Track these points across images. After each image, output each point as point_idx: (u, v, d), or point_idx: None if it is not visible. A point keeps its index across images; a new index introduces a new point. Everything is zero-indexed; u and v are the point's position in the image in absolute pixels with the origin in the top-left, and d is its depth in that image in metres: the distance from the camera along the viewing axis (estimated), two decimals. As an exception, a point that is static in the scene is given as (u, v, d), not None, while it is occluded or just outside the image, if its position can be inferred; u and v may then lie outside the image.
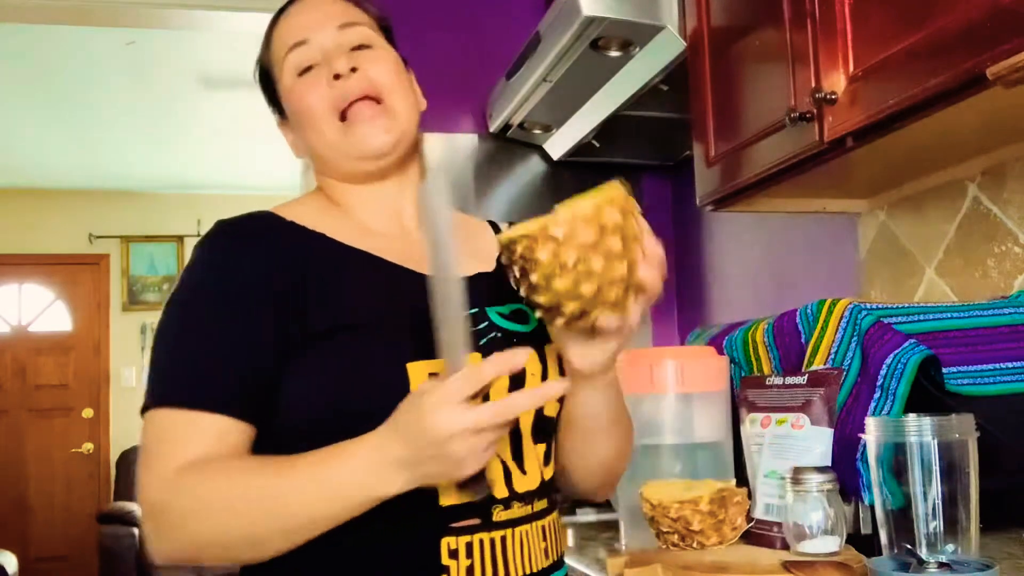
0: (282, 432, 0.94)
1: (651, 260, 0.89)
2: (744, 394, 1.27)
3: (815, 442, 1.15)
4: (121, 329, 6.40)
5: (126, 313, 6.42)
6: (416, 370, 0.93)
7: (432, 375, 0.91)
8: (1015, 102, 1.18)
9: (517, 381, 0.97)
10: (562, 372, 1.02)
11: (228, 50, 4.17)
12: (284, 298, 0.95)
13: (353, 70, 1.03)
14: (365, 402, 0.92)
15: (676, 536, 1.14)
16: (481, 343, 0.99)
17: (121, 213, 6.43)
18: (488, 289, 1.05)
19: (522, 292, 0.87)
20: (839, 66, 1.32)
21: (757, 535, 1.16)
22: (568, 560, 1.46)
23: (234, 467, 0.89)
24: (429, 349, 0.87)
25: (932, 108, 1.18)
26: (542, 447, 1.02)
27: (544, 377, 1.02)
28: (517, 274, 0.87)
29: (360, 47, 1.06)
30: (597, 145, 2.55)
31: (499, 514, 0.95)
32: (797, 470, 1.09)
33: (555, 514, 1.04)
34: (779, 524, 1.13)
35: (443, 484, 0.90)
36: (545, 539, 1.00)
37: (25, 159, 5.72)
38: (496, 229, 1.23)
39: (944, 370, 1.15)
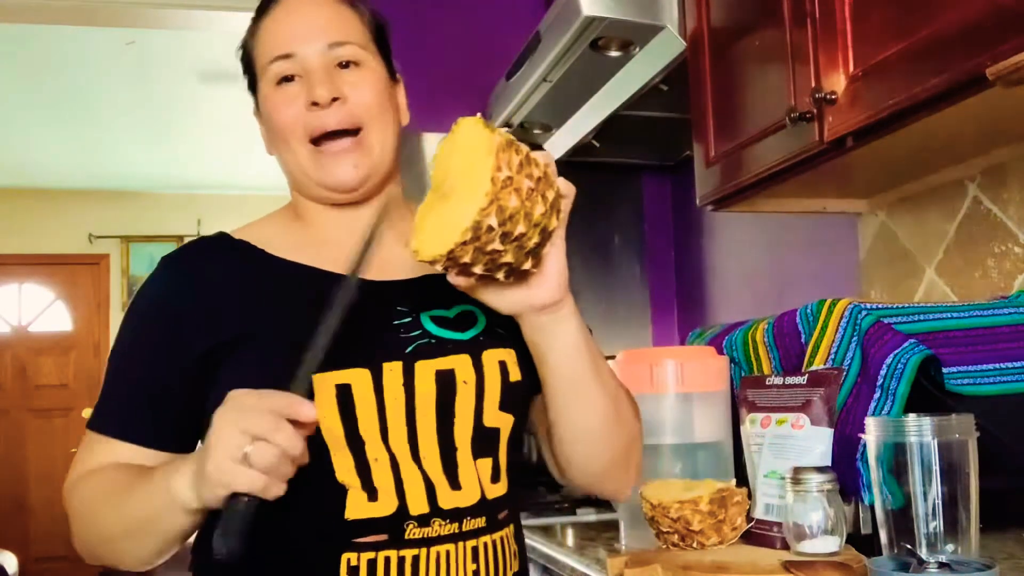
0: None
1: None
2: (744, 394, 1.27)
3: (815, 442, 1.15)
4: (121, 329, 6.40)
5: (126, 313, 6.42)
6: (322, 381, 0.90)
7: (339, 386, 0.91)
8: (1015, 102, 1.18)
9: (447, 391, 0.95)
10: (503, 380, 0.98)
11: (228, 50, 4.15)
12: (198, 320, 0.97)
13: (335, 99, 1.00)
14: None
15: (676, 536, 1.14)
16: (408, 350, 0.95)
17: (121, 213, 6.43)
18: (427, 293, 1.01)
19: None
20: (839, 66, 1.32)
21: (757, 535, 1.16)
22: (568, 560, 1.46)
23: (106, 476, 0.97)
24: (342, 358, 0.88)
25: (932, 108, 1.18)
26: (487, 461, 0.98)
27: (480, 386, 0.97)
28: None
29: (347, 63, 1.02)
30: (597, 145, 2.55)
31: (412, 531, 0.91)
32: (797, 470, 1.09)
33: (502, 532, 0.98)
34: (779, 524, 1.13)
35: (351, 498, 0.90)
36: (476, 561, 0.93)
37: (25, 159, 5.72)
38: None
39: (944, 370, 1.15)
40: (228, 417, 0.79)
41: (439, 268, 0.81)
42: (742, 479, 1.26)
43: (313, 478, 0.85)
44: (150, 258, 6.49)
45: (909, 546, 0.93)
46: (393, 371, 0.94)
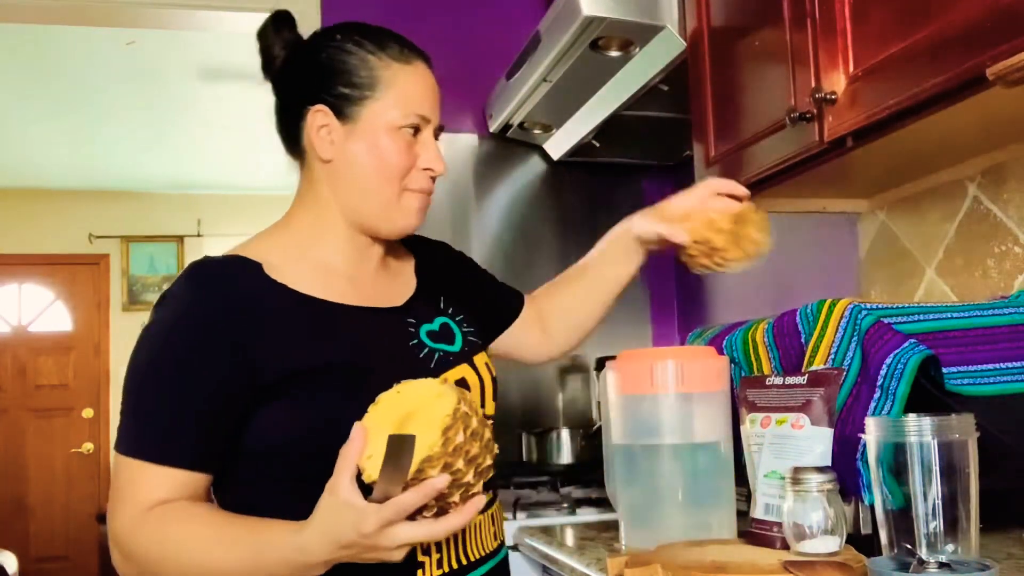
0: (249, 463, 1.07)
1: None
2: (744, 394, 1.27)
3: (815, 442, 1.15)
4: (121, 329, 6.40)
5: (126, 313, 6.42)
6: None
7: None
8: (1015, 102, 1.18)
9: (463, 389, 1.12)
10: (492, 378, 1.21)
11: (229, 50, 4.17)
12: (239, 349, 1.03)
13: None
14: (318, 447, 1.00)
15: (704, 258, 1.29)
16: (431, 366, 1.13)
17: (121, 213, 6.43)
18: (418, 313, 1.19)
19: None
20: (839, 66, 1.32)
21: (757, 535, 1.16)
22: (568, 560, 1.46)
23: (190, 529, 1.01)
24: (393, 380, 1.00)
25: (932, 108, 1.18)
26: None
27: (481, 386, 1.18)
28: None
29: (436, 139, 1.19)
30: (597, 145, 2.55)
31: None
32: (797, 470, 1.09)
33: (496, 505, 1.23)
34: (779, 524, 1.13)
35: None
36: (494, 524, 1.21)
37: (25, 159, 5.72)
38: (420, 245, 1.33)
39: (944, 370, 1.15)
40: (399, 535, 0.92)
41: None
42: (742, 479, 1.26)
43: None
44: (150, 258, 6.49)
45: (909, 546, 0.92)
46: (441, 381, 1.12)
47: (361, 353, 1.09)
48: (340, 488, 0.91)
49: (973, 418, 0.97)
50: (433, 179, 1.17)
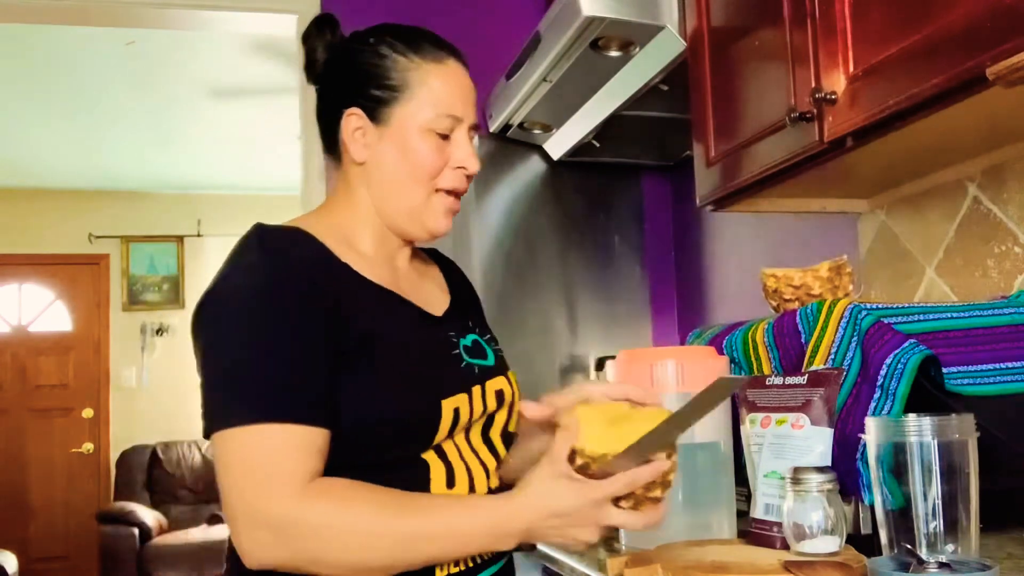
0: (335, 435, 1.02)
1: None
2: (744, 394, 1.27)
3: (815, 442, 1.15)
4: (121, 329, 6.40)
5: (126, 313, 6.42)
6: (448, 406, 1.07)
7: (455, 409, 1.07)
8: (1015, 102, 1.18)
9: (501, 399, 1.17)
10: (518, 394, 1.22)
11: (229, 50, 4.17)
12: (329, 314, 1.02)
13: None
14: (401, 425, 1.04)
15: (797, 303, 1.37)
16: (476, 372, 1.14)
17: (121, 213, 6.43)
18: (455, 323, 1.20)
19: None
20: (839, 66, 1.32)
21: (757, 535, 1.16)
22: (568, 560, 1.46)
23: (374, 500, 0.97)
24: (454, 385, 1.08)
25: (932, 108, 1.18)
26: (504, 456, 1.19)
27: (513, 399, 1.20)
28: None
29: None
30: (597, 145, 2.55)
31: None
32: (797, 470, 1.09)
33: None
34: (779, 524, 1.13)
35: (433, 483, 1.07)
36: None
37: (25, 159, 5.72)
38: (439, 258, 1.35)
39: (944, 370, 1.15)
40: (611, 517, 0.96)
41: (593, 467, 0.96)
42: (742, 479, 1.26)
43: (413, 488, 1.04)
44: (150, 258, 6.49)
45: (909, 546, 0.92)
46: (475, 393, 1.13)
47: (416, 347, 1.11)
48: (561, 461, 0.94)
49: (973, 418, 0.97)
50: (468, 178, 1.17)
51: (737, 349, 1.46)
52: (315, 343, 0.99)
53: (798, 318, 1.33)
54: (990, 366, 1.18)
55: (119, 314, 6.43)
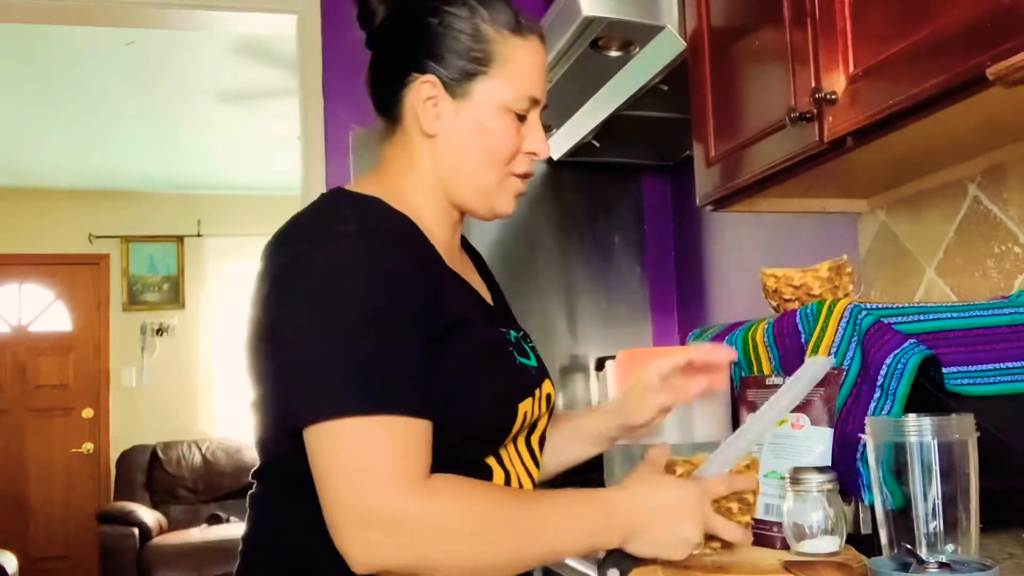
0: None
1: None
2: (744, 394, 1.27)
3: (815, 442, 1.15)
4: (121, 329, 6.40)
5: (126, 313, 6.41)
6: (521, 409, 1.05)
7: (525, 412, 1.06)
8: (1015, 102, 1.18)
9: (549, 403, 1.13)
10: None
11: (229, 51, 4.17)
12: (430, 298, 0.96)
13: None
14: (480, 426, 1.01)
15: (797, 302, 1.37)
16: (533, 374, 1.10)
17: (121, 213, 6.42)
18: (502, 316, 1.17)
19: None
20: (839, 66, 1.32)
21: (757, 535, 1.16)
22: (568, 560, 1.46)
23: (492, 496, 0.94)
24: (524, 386, 1.06)
25: (932, 108, 1.18)
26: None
27: (551, 406, 1.15)
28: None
29: None
30: (597, 145, 2.55)
31: None
32: (797, 470, 1.09)
33: None
34: (779, 524, 1.13)
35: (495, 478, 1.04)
36: None
37: (25, 159, 5.72)
38: (474, 254, 1.28)
39: (944, 370, 1.15)
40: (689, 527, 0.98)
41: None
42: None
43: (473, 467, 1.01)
44: (150, 258, 6.49)
45: (909, 546, 0.92)
46: (537, 396, 1.09)
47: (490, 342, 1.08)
48: (660, 465, 1.01)
49: (973, 418, 0.97)
50: (533, 170, 1.13)
51: (737, 349, 1.46)
52: (419, 329, 0.92)
53: (798, 318, 1.33)
54: (990, 366, 1.18)
55: (119, 314, 6.42)
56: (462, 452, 0.98)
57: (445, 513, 0.87)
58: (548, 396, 1.12)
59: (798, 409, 1.17)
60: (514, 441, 1.07)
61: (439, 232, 1.08)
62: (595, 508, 0.96)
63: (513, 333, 1.12)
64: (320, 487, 0.87)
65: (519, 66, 1.05)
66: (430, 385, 0.92)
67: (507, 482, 1.05)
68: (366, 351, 0.88)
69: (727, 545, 1.05)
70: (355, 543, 0.85)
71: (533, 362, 1.12)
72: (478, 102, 1.05)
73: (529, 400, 1.06)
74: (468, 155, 1.06)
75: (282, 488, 1.00)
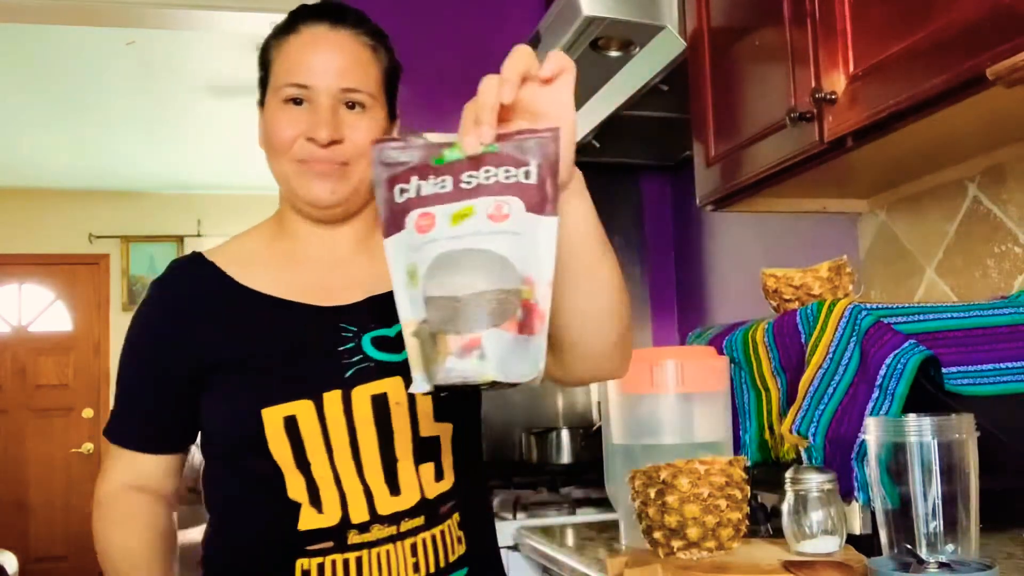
0: (205, 441, 1.16)
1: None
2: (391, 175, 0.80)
3: (531, 237, 0.71)
4: (121, 329, 6.33)
5: (126, 313, 6.41)
6: (270, 415, 1.03)
7: (286, 418, 1.02)
8: (1015, 102, 1.18)
9: (382, 412, 1.04)
10: (433, 396, 1.04)
11: (229, 50, 4.16)
12: (179, 346, 1.10)
13: (333, 142, 1.06)
14: (224, 440, 1.09)
15: (797, 303, 1.34)
16: (347, 375, 1.05)
17: (121, 213, 6.43)
18: (372, 313, 1.09)
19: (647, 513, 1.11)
20: (839, 66, 1.32)
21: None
22: (568, 560, 1.46)
23: (145, 529, 1.24)
24: (288, 392, 1.02)
25: (932, 108, 1.18)
26: (429, 466, 1.07)
27: (412, 404, 1.05)
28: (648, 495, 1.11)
29: (352, 105, 1.09)
30: (597, 145, 2.54)
31: (354, 537, 1.03)
32: (797, 470, 1.09)
33: (443, 525, 1.08)
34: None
35: (303, 512, 1.03)
36: (415, 555, 1.05)
37: (25, 159, 5.72)
38: None
39: (944, 370, 1.15)
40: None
41: None
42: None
43: (269, 497, 1.04)
44: (150, 258, 6.49)
45: (909, 546, 0.93)
46: (333, 400, 1.04)
47: (274, 350, 1.07)
48: None
49: (973, 418, 0.97)
50: (326, 146, 1.06)
51: (737, 349, 1.46)
52: (146, 375, 1.16)
53: (798, 318, 1.33)
54: (990, 366, 1.18)
55: (119, 314, 6.42)
56: (229, 458, 1.11)
57: (103, 522, 1.20)
58: (380, 396, 1.05)
59: (497, 191, 0.75)
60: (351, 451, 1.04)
61: (280, 244, 1.15)
62: None
63: (396, 327, 0.94)
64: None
65: (283, 59, 1.10)
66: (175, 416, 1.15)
67: (313, 495, 1.03)
68: (117, 391, 1.20)
69: (720, 547, 1.06)
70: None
71: (402, 357, 1.01)
72: (267, 104, 1.12)
73: (302, 403, 1.03)
74: (267, 155, 1.12)
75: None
